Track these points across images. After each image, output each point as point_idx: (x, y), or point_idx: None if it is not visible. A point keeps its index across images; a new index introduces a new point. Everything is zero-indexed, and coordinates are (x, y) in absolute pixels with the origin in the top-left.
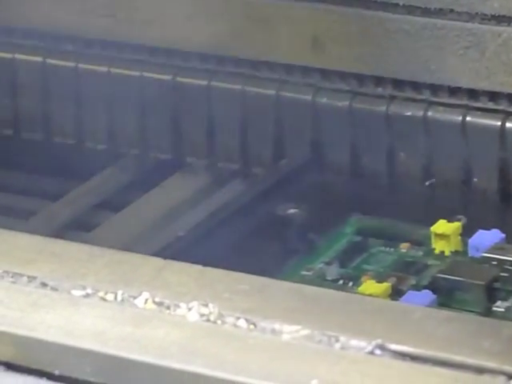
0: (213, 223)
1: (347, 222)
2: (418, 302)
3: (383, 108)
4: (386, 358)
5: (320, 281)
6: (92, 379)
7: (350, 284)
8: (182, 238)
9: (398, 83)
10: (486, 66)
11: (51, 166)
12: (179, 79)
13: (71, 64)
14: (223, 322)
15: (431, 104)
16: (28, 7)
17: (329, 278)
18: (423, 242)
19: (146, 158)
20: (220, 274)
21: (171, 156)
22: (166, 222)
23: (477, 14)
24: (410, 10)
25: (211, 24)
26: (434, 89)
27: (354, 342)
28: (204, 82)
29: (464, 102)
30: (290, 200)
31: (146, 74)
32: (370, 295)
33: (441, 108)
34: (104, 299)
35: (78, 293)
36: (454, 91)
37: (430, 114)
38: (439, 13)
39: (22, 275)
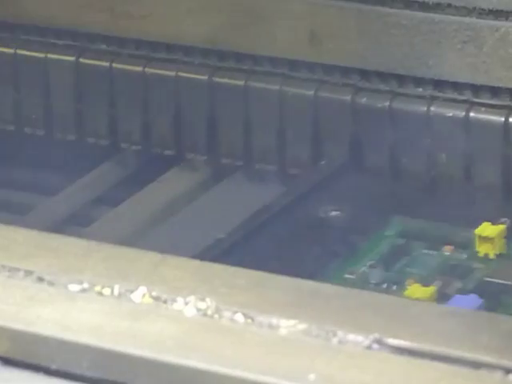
0: (253, 225)
1: (389, 224)
2: (465, 307)
3: (424, 108)
4: (384, 352)
5: (364, 284)
6: (89, 373)
7: (394, 287)
8: (222, 241)
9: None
10: (483, 60)
11: (49, 161)
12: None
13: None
14: (220, 317)
15: (473, 104)
16: (26, 2)
17: (372, 282)
18: (466, 245)
19: (145, 153)
20: (217, 268)
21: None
22: (163, 216)
23: (475, 8)
24: (408, 4)
25: (209, 18)
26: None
27: (351, 337)
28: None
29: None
30: (331, 202)
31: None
32: (416, 299)
33: (482, 109)
34: (101, 294)
35: (74, 287)
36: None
37: (472, 114)
38: (437, 7)
39: (18, 270)
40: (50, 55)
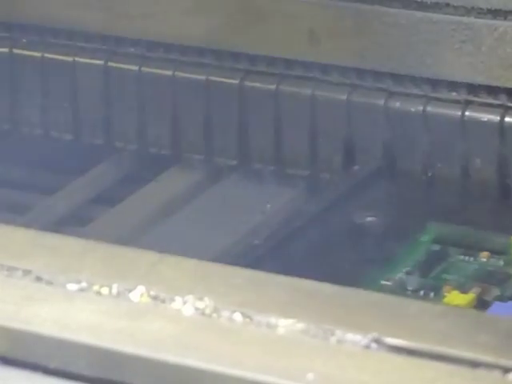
0: (288, 231)
1: (424, 230)
2: (505, 314)
3: (458, 113)
4: (382, 351)
5: (401, 291)
6: (87, 373)
7: (432, 294)
8: (257, 247)
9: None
10: (482, 60)
11: (47, 161)
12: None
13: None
14: (218, 316)
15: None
16: (25, 1)
17: (409, 288)
18: (503, 251)
19: (142, 153)
20: (215, 267)
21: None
22: (161, 216)
23: (473, 8)
24: (406, 3)
25: (208, 18)
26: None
27: (349, 336)
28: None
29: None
30: (365, 207)
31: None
32: (456, 306)
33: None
34: (99, 293)
35: (72, 287)
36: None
37: (507, 119)
38: (435, 7)
39: (16, 269)
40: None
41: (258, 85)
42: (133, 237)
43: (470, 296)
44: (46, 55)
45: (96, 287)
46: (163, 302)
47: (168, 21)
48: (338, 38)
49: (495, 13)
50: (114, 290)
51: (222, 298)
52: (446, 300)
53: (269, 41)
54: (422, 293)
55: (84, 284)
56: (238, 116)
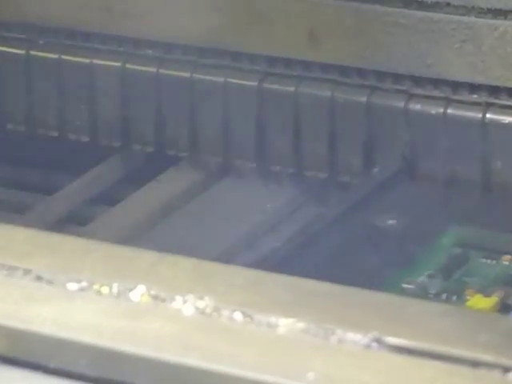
0: (309, 234)
1: (446, 232)
2: None
3: (479, 115)
4: (383, 351)
5: (423, 294)
6: (87, 372)
7: (454, 298)
8: (278, 250)
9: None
10: (482, 59)
11: (48, 161)
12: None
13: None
14: (219, 315)
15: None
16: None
17: (432, 292)
18: None
19: (143, 153)
20: (215, 267)
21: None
22: (161, 215)
23: (473, 7)
24: (407, 3)
25: (208, 17)
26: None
27: (350, 335)
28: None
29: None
30: (386, 210)
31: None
32: (479, 310)
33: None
34: (99, 292)
35: (73, 286)
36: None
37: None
38: (435, 6)
39: (17, 268)
40: (63, 56)
41: (276, 87)
42: (133, 236)
43: (494, 300)
44: (63, 57)
45: (96, 286)
46: (163, 301)
47: (169, 20)
48: (338, 37)
49: (495, 12)
50: (115, 290)
51: (223, 298)
52: (469, 303)
53: (269, 41)
54: (444, 296)
55: (84, 283)
56: (256, 118)
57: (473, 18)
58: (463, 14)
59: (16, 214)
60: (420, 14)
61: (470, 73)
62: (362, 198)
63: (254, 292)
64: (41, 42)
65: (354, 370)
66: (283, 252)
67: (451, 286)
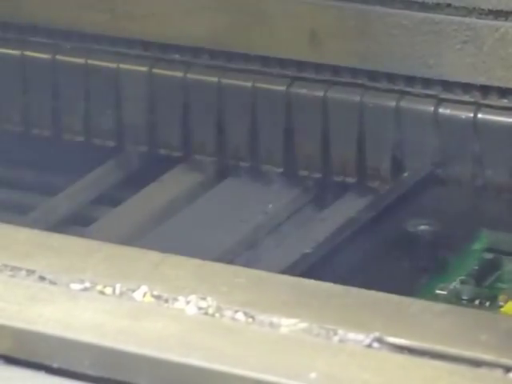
0: (340, 239)
1: (477, 237)
2: None
3: (509, 119)
4: (384, 350)
5: (456, 300)
6: (90, 372)
7: (487, 304)
8: (309, 256)
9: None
10: (483, 60)
11: (51, 162)
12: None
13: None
14: (221, 316)
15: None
16: (28, 2)
17: (465, 298)
18: None
19: (145, 154)
20: (218, 267)
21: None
22: (164, 216)
23: (474, 8)
24: (408, 4)
25: (209, 19)
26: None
27: (352, 335)
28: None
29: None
30: (415, 215)
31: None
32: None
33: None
34: (102, 293)
35: (76, 286)
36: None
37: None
38: (437, 7)
39: (20, 269)
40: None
41: (305, 91)
42: (136, 237)
43: None
44: (89, 61)
45: (99, 287)
46: (166, 301)
47: (171, 22)
48: (339, 38)
49: (496, 13)
50: (118, 290)
51: (225, 298)
52: (503, 310)
53: (271, 41)
54: (477, 302)
55: (87, 284)
56: (284, 123)
57: (474, 19)
58: (464, 15)
59: (19, 214)
60: (421, 15)
61: (471, 74)
62: (393, 204)
63: (256, 292)
64: (68, 46)
65: (355, 369)
66: (314, 257)
67: (484, 292)
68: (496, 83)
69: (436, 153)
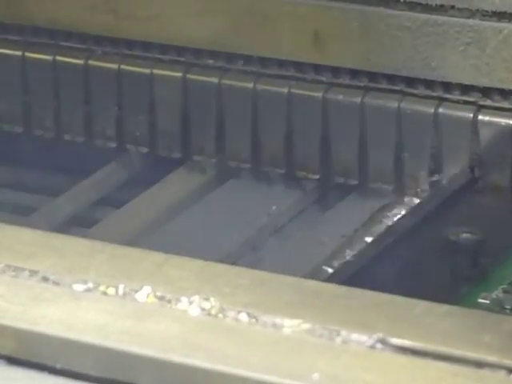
0: (381, 247)
1: None
2: None
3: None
4: (387, 352)
5: (498, 309)
6: (93, 373)
7: None
8: (350, 264)
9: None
10: (486, 62)
11: (54, 163)
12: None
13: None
14: (224, 316)
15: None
16: (30, 4)
17: (507, 307)
18: None
19: (149, 155)
20: (221, 268)
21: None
22: (167, 217)
23: (478, 10)
24: (411, 6)
25: (213, 20)
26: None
27: (355, 336)
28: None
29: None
30: (457, 223)
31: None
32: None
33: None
34: (105, 293)
35: (79, 287)
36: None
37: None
38: (440, 9)
39: (23, 269)
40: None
41: (341, 98)
42: (139, 238)
43: None
44: (122, 67)
45: (102, 288)
46: (169, 302)
47: (174, 24)
48: (343, 40)
49: (500, 15)
50: (121, 291)
51: (228, 299)
52: None
53: (275, 43)
54: None
55: (90, 284)
56: (320, 129)
57: (477, 21)
58: (468, 17)
59: (22, 215)
60: (424, 16)
61: (475, 76)
62: (434, 211)
63: (259, 293)
64: (99, 52)
65: (358, 370)
66: (355, 265)
67: None
68: (499, 85)
69: (476, 159)
